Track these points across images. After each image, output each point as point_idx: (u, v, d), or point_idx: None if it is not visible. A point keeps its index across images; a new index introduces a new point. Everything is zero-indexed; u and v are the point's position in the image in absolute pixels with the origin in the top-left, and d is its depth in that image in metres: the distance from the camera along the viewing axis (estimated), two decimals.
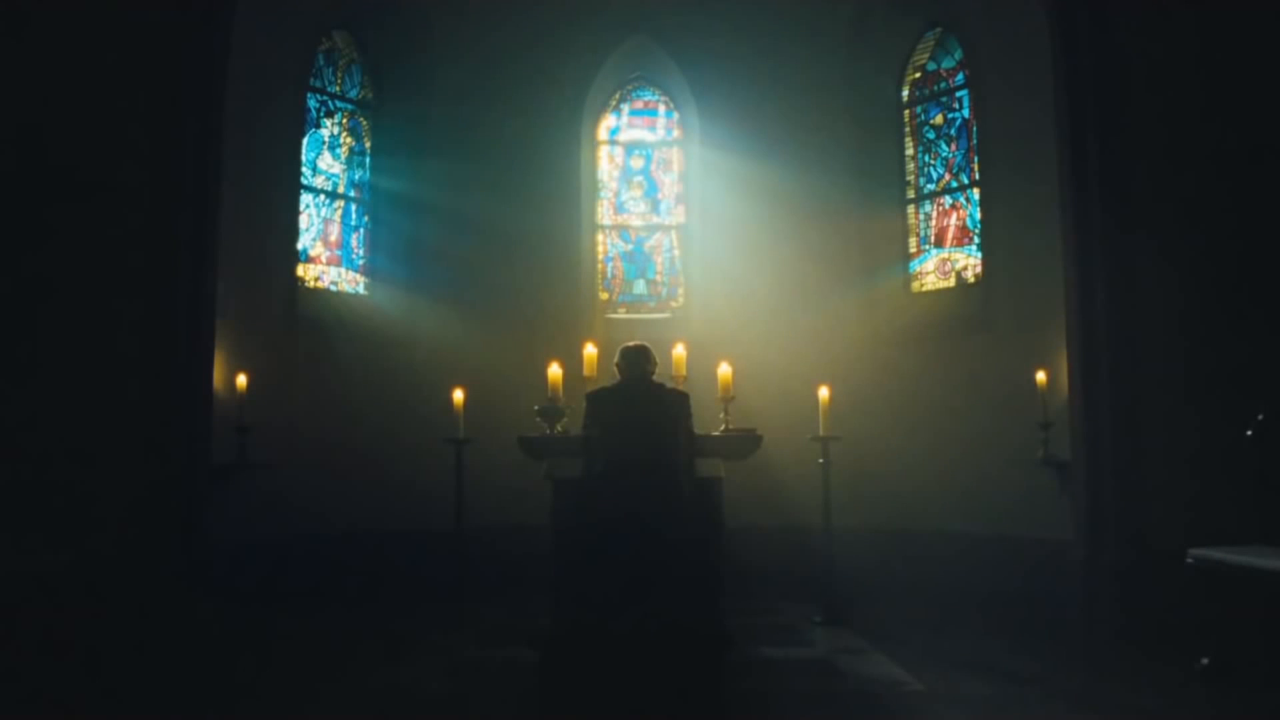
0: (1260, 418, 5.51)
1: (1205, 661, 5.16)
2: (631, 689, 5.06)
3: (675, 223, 10.00)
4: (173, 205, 6.77)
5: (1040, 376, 7.37)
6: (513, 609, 7.09)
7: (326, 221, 9.21)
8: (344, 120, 9.41)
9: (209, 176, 6.99)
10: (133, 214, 6.63)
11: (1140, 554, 6.31)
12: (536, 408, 6.50)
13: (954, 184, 9.11)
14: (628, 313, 9.80)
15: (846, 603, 6.98)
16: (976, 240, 8.83)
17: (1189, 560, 5.25)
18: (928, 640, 6.36)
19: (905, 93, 9.49)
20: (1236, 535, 5.34)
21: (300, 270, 8.84)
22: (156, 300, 6.66)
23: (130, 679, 5.49)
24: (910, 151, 9.45)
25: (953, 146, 9.15)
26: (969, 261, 8.91)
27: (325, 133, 9.24)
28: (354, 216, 9.46)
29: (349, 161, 9.43)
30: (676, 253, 9.96)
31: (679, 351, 6.82)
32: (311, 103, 9.08)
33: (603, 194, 10.01)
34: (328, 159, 9.26)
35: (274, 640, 6.51)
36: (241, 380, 7.57)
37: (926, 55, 9.35)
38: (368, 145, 9.56)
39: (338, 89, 9.34)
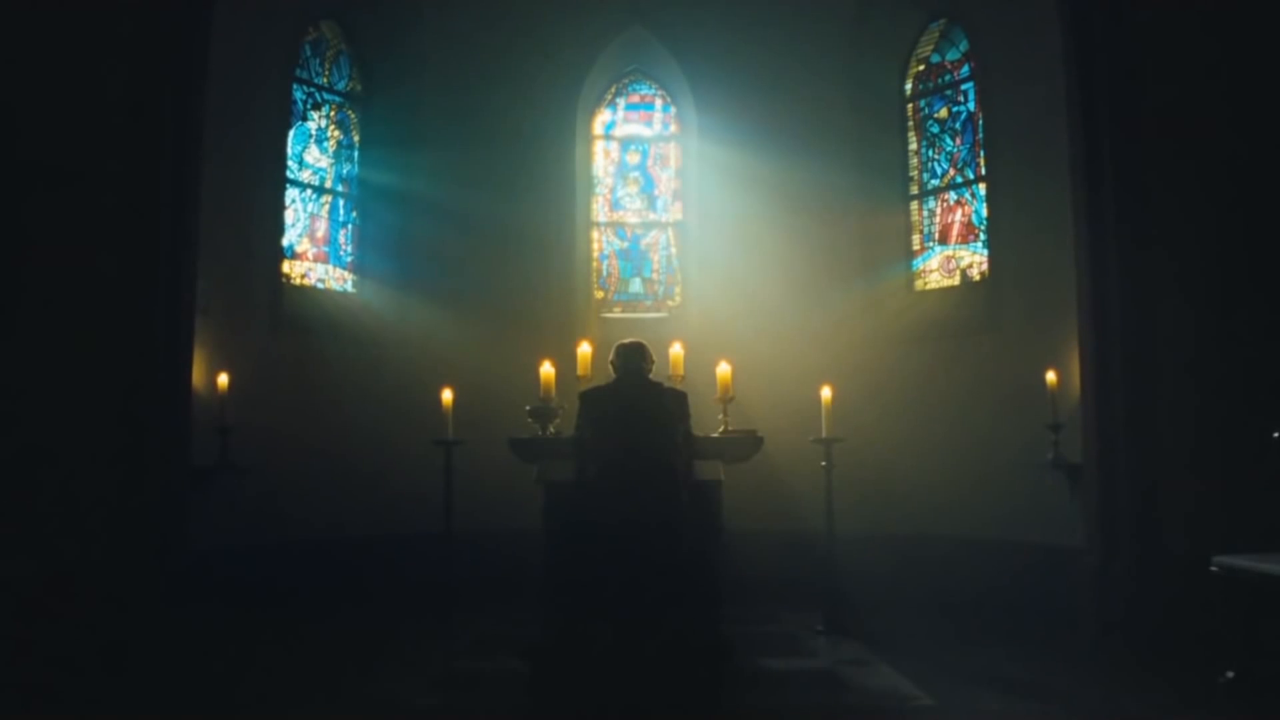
0: None
1: (1230, 675, 4.91)
2: (627, 703, 4.87)
3: (672, 219, 9.77)
4: (151, 198, 6.52)
5: (1050, 376, 7.13)
6: (503, 617, 6.86)
7: (313, 217, 8.95)
8: (331, 113, 9.15)
9: (188, 168, 6.74)
10: (108, 206, 6.38)
11: (1157, 561, 6.06)
12: (528, 408, 6.31)
13: (959, 179, 8.89)
14: (623, 312, 9.57)
15: (850, 611, 6.75)
16: (982, 237, 8.59)
17: (1213, 568, 5.00)
18: (935, 651, 6.13)
19: (909, 86, 9.26)
20: (1260, 541, 5.10)
21: (286, 267, 8.58)
22: (133, 297, 6.40)
23: (105, 689, 5.27)
24: (914, 146, 9.22)
25: (957, 141, 8.92)
26: (974, 259, 8.68)
27: (312, 125, 8.98)
28: (342, 212, 9.20)
29: (336, 155, 9.18)
30: (674, 250, 9.73)
31: (676, 350, 6.59)
32: (298, 94, 8.82)
33: (598, 190, 9.76)
34: (315, 152, 9.00)
35: (255, 649, 6.28)
36: (223, 380, 7.32)
37: (930, 47, 9.11)
38: (356, 139, 9.31)
39: (325, 81, 9.08)
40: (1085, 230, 6.64)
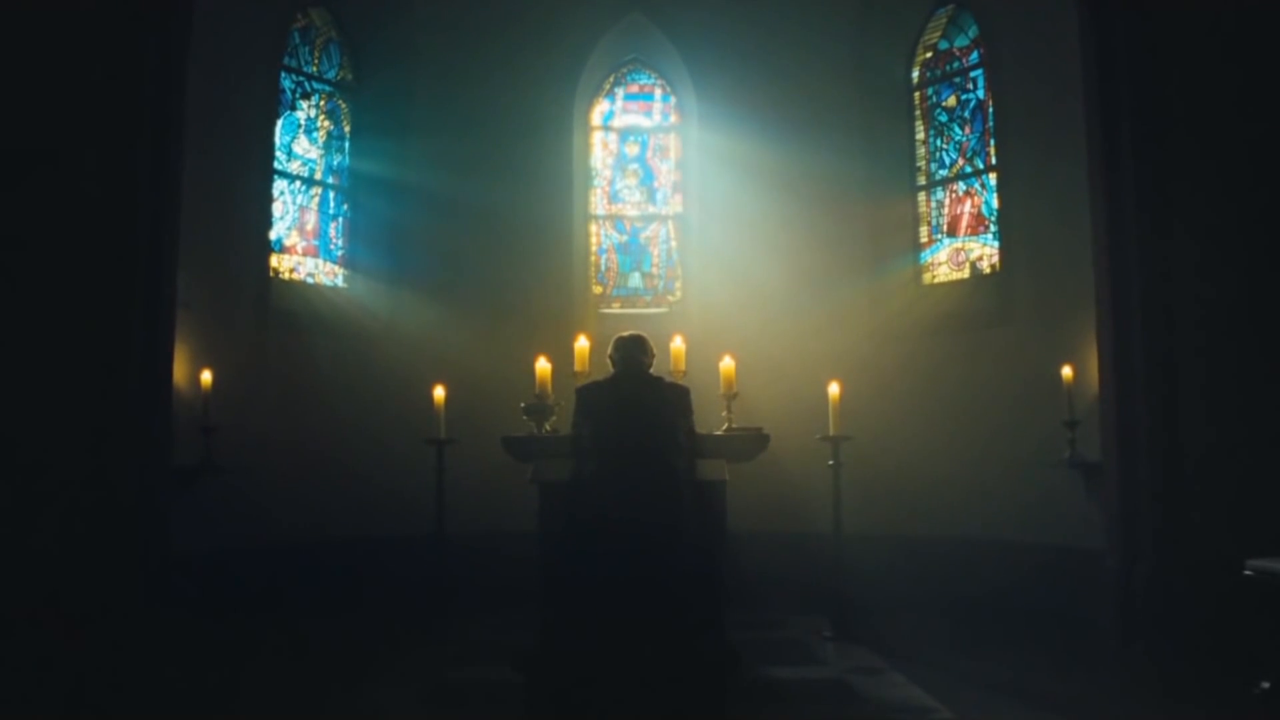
0: None
1: (1265, 685, 4.64)
2: (627, 715, 4.59)
3: (672, 212, 9.52)
4: (129, 187, 6.25)
5: (1066, 371, 6.88)
6: (497, 624, 6.60)
7: (302, 209, 8.68)
8: (321, 102, 8.88)
9: (170, 158, 6.48)
10: (85, 196, 6.10)
11: (1181, 564, 5.79)
12: (523, 405, 6.04)
13: (968, 169, 8.63)
14: (622, 307, 9.32)
15: (859, 615, 6.50)
16: (993, 228, 8.33)
17: (1246, 572, 4.73)
18: (950, 658, 5.86)
19: (915, 74, 9.01)
20: None
21: (274, 261, 8.33)
22: (110, 290, 6.12)
23: (82, 699, 5.03)
24: (921, 135, 8.96)
25: (966, 129, 8.66)
26: (984, 251, 8.43)
27: (301, 115, 8.71)
28: (332, 205, 8.94)
29: (327, 146, 8.91)
30: (674, 244, 9.47)
31: (678, 345, 6.32)
32: (286, 83, 8.55)
33: (596, 182, 9.50)
34: (304, 143, 8.73)
35: (238, 657, 6.03)
36: (206, 377, 7.06)
37: (938, 34, 8.86)
38: (347, 129, 9.03)
39: (314, 69, 8.81)
40: (1103, 218, 6.40)
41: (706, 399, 5.92)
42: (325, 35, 8.87)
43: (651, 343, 5.50)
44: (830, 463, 6.65)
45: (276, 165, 8.40)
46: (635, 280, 9.44)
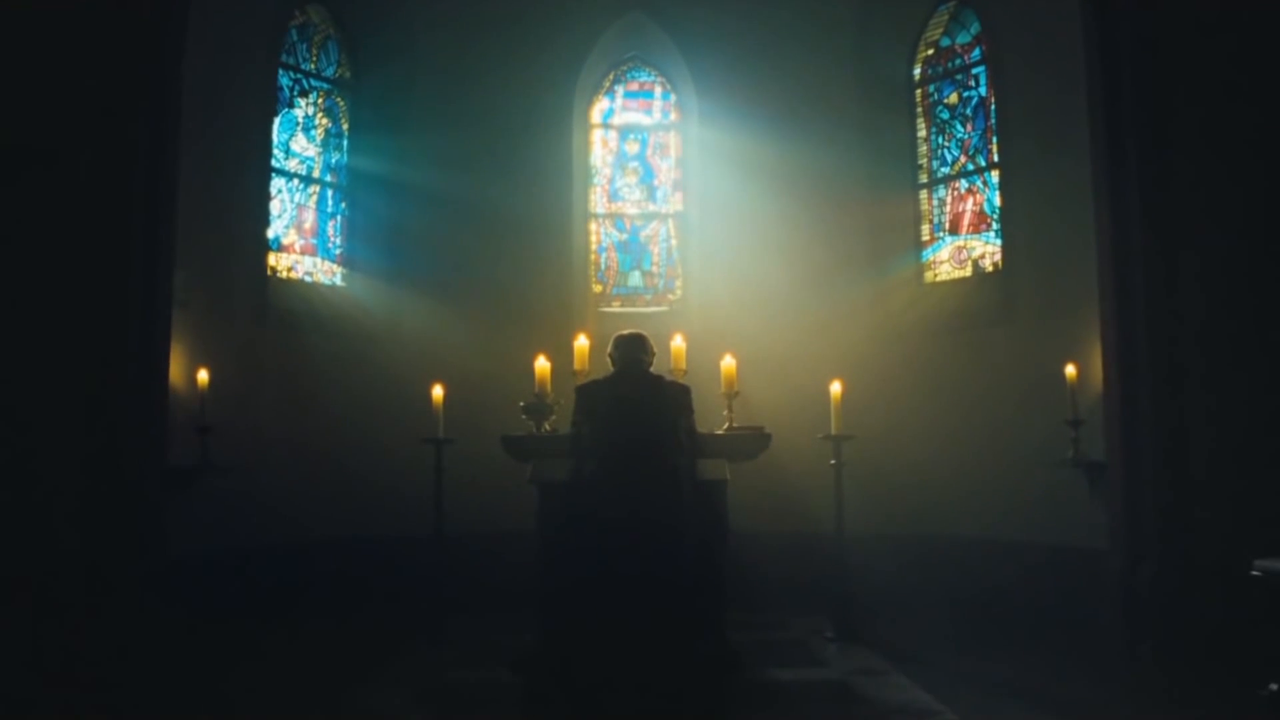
0: None
1: (1273, 687, 4.58)
2: (625, 717, 4.52)
3: (673, 210, 9.47)
4: (125, 184, 6.19)
5: (1069, 370, 6.82)
6: (495, 625, 6.54)
7: (300, 208, 8.62)
8: (319, 100, 8.83)
9: (166, 154, 6.42)
10: (80, 193, 6.03)
11: (1186, 564, 5.73)
12: (522, 404, 6.00)
13: (970, 166, 8.58)
14: (622, 306, 9.27)
15: (861, 616, 6.45)
16: (995, 226, 8.28)
17: (1254, 573, 4.67)
18: (954, 660, 5.82)
19: (917, 71, 8.96)
20: None
21: (272, 259, 8.27)
22: (106, 288, 6.07)
23: (81, 699, 4.98)
24: (922, 133, 8.92)
25: (968, 127, 8.61)
26: (986, 249, 8.38)
27: (299, 113, 8.66)
28: (330, 203, 8.89)
29: (325, 144, 8.85)
30: (674, 242, 9.42)
31: (678, 343, 6.28)
32: (284, 81, 8.50)
33: (596, 180, 9.45)
34: (302, 141, 8.68)
35: (236, 658, 6.00)
36: (203, 376, 6.99)
37: (940, 30, 8.82)
38: (345, 127, 8.98)
39: (312, 66, 8.75)
40: (1106, 215, 6.34)
41: (707, 398, 5.88)
42: (323, 32, 8.82)
43: (651, 341, 5.47)
44: (832, 462, 6.62)
45: (274, 163, 8.35)
46: (635, 279, 9.39)
